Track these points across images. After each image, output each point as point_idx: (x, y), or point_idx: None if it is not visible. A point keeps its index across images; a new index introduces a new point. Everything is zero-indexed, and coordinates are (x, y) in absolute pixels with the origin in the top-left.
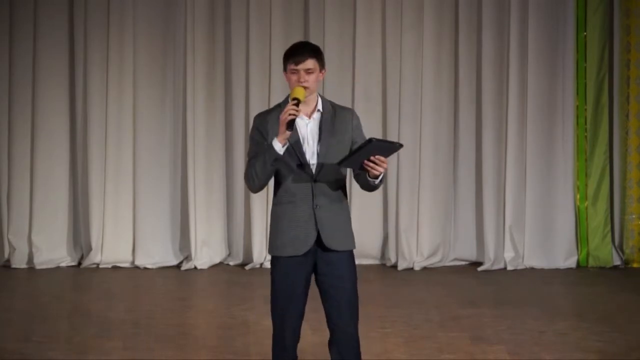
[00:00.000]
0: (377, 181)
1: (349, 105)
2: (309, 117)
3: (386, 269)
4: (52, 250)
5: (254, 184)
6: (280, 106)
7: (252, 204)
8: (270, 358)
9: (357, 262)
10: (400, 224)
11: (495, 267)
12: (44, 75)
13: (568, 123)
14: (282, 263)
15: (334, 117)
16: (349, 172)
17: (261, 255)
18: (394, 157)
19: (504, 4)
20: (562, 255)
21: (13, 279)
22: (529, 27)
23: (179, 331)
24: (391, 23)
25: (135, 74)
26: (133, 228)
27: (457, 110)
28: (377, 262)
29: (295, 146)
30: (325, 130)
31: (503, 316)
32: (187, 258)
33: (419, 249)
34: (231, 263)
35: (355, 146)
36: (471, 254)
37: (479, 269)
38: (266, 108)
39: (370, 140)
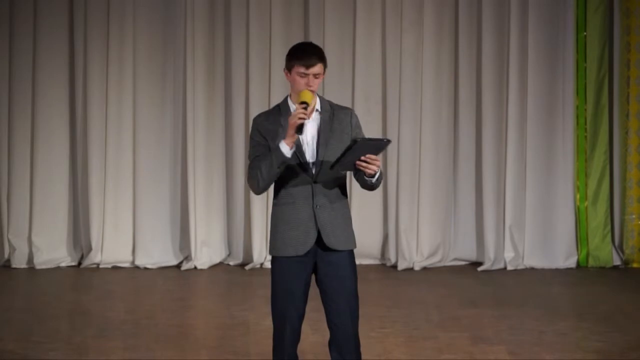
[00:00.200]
0: (373, 180)
1: (349, 105)
2: (308, 117)
3: (386, 269)
4: (52, 250)
5: (258, 186)
6: (280, 107)
7: (252, 204)
8: (271, 358)
9: (357, 262)
10: (400, 223)
11: (495, 267)
12: (44, 75)
13: (568, 123)
14: (283, 263)
15: (333, 117)
16: (348, 172)
17: (261, 255)
18: (394, 157)
19: (504, 4)
20: (562, 255)
21: (13, 279)
22: (529, 27)
23: (179, 331)
24: (391, 23)
25: (135, 74)
26: (133, 228)
27: (457, 110)
28: (377, 262)
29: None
30: (324, 130)
31: (503, 316)
32: (187, 258)
33: (419, 249)
34: (231, 263)
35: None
36: (471, 254)
37: (479, 269)
38: (266, 108)
39: (355, 140)
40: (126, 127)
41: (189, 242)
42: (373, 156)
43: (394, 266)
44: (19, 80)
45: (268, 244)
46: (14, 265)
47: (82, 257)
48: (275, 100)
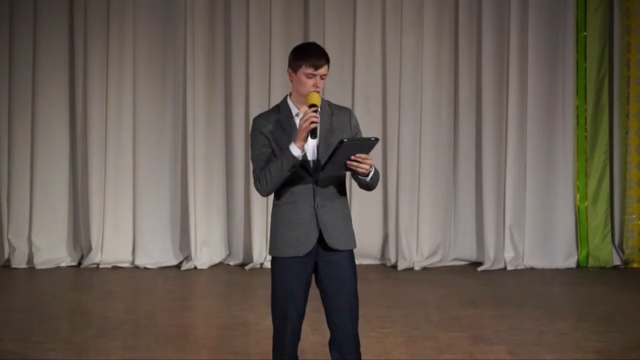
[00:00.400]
0: (367, 179)
1: (348, 106)
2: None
3: (386, 269)
4: (52, 250)
5: (266, 188)
6: (280, 107)
7: (252, 204)
8: (270, 358)
9: (357, 262)
10: (400, 223)
11: (495, 267)
12: (44, 75)
13: (568, 123)
14: (283, 264)
15: (332, 116)
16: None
17: (261, 255)
18: (394, 157)
19: (504, 4)
20: (562, 255)
21: (13, 279)
22: (529, 27)
23: (179, 331)
24: (391, 23)
25: (135, 74)
26: (133, 228)
27: (457, 110)
28: (377, 262)
29: None
30: (324, 129)
31: (503, 316)
32: (187, 258)
33: (419, 249)
34: (231, 263)
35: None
36: (471, 254)
37: (479, 269)
38: (266, 108)
39: (342, 141)
40: (126, 127)
41: (189, 242)
42: (363, 155)
43: (394, 266)
44: (19, 80)
45: (268, 244)
46: (14, 265)
47: (82, 257)
48: (275, 100)
